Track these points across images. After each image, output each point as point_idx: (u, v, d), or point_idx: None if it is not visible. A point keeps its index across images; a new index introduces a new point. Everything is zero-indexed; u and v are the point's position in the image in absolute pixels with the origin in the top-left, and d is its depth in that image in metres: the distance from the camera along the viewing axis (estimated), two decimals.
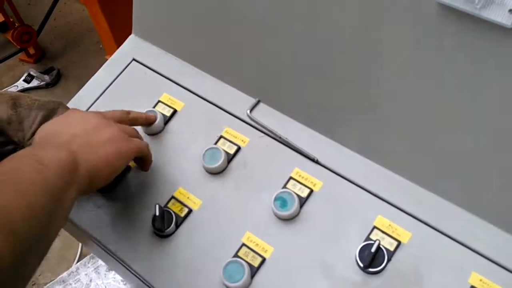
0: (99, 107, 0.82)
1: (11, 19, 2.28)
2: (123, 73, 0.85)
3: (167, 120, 0.78)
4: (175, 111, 0.79)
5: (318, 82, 0.71)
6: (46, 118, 0.69)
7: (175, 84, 0.82)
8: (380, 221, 0.65)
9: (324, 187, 0.69)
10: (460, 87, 0.58)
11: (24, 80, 2.40)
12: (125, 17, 1.81)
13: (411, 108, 0.64)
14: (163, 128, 0.78)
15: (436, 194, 0.65)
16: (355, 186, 0.68)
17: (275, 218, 0.68)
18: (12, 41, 2.30)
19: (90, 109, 0.82)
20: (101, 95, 0.83)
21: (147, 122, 0.74)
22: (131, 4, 1.78)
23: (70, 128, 0.60)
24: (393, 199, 0.66)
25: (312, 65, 0.70)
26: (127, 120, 0.70)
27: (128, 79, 0.84)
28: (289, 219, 0.67)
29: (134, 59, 0.86)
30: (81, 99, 0.82)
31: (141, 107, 0.79)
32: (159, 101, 0.80)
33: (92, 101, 0.83)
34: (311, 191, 0.69)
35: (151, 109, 0.78)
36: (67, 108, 0.73)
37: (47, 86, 2.36)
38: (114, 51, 1.87)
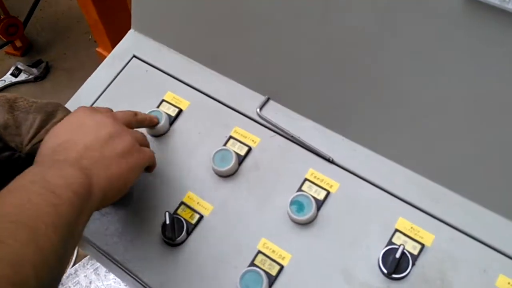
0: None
1: None
2: (123, 70, 0.81)
3: (172, 120, 0.74)
4: (180, 111, 0.75)
5: (331, 78, 0.67)
6: (44, 122, 0.65)
7: (179, 82, 0.78)
8: (402, 224, 0.62)
9: (341, 189, 0.66)
10: (485, 83, 0.55)
11: (12, 74, 2.33)
12: (116, 7, 1.77)
13: (432, 105, 0.60)
14: (169, 129, 0.74)
15: (458, 193, 0.63)
16: (373, 186, 0.65)
17: (291, 222, 0.65)
18: None
19: None
20: (101, 94, 0.79)
21: (151, 124, 0.71)
22: None
23: (80, 136, 0.56)
24: (413, 199, 0.63)
25: (325, 60, 0.67)
26: (135, 122, 0.66)
27: (129, 77, 0.80)
28: (306, 224, 0.64)
29: (134, 56, 0.82)
30: (80, 99, 0.78)
31: (144, 107, 0.75)
32: (163, 100, 0.76)
33: (92, 101, 0.79)
34: (328, 193, 0.66)
35: (155, 109, 0.74)
36: (66, 110, 0.69)
37: (36, 79, 2.29)
38: (106, 43, 1.84)
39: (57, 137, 0.56)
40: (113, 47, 1.82)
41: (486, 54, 0.53)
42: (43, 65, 2.31)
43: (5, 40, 2.24)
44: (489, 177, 0.60)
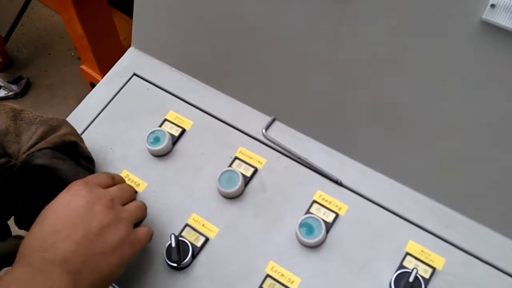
0: (98, 126, 0.76)
1: None
2: (123, 89, 0.79)
3: (175, 140, 0.73)
4: (183, 130, 0.74)
5: (339, 99, 0.67)
6: (46, 134, 0.63)
7: (181, 101, 0.76)
8: (412, 247, 0.62)
9: (350, 211, 0.65)
10: (500, 108, 0.55)
11: None
12: (102, 23, 1.75)
13: (444, 129, 0.61)
14: (172, 149, 0.72)
15: (468, 217, 0.63)
16: (382, 209, 0.65)
17: (300, 245, 0.64)
18: None
19: (88, 129, 0.76)
20: (99, 113, 0.77)
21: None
22: (110, 10, 1.71)
23: (70, 229, 0.52)
24: (423, 222, 0.63)
25: (333, 81, 0.66)
26: (133, 198, 0.63)
27: (129, 96, 0.78)
28: (315, 247, 0.63)
29: (135, 74, 0.80)
30: (77, 118, 0.76)
31: (145, 126, 0.74)
32: (165, 120, 0.75)
33: (90, 120, 0.76)
34: (337, 215, 0.65)
35: (157, 128, 0.73)
36: (71, 126, 0.67)
37: (16, 96, 2.24)
38: (91, 60, 1.81)
39: (45, 225, 0.53)
40: (98, 64, 1.81)
41: (503, 77, 0.54)
42: (23, 81, 2.25)
43: None
44: (501, 201, 0.60)
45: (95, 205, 0.55)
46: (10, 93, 2.24)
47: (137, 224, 0.60)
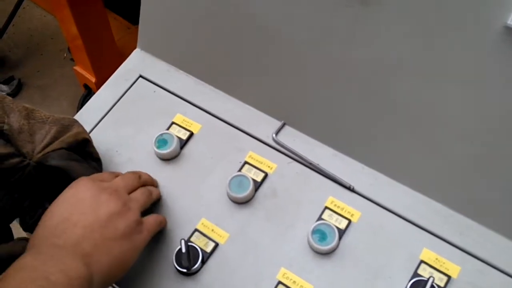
0: (103, 129, 0.74)
1: None
2: (129, 91, 0.77)
3: (183, 143, 0.71)
4: (191, 134, 0.72)
5: (352, 103, 0.66)
6: (59, 133, 0.62)
7: (189, 104, 0.75)
8: (427, 255, 0.61)
9: (362, 218, 0.64)
10: None
11: None
12: (97, 23, 1.72)
13: (460, 136, 0.60)
14: (179, 153, 0.71)
15: (483, 224, 0.62)
16: (396, 216, 0.64)
17: (311, 252, 0.63)
18: None
19: (93, 132, 0.74)
20: (104, 115, 0.75)
21: (154, 185, 0.67)
22: (104, 11, 1.69)
23: (79, 216, 0.53)
24: (437, 230, 0.62)
25: (346, 85, 0.65)
26: (139, 185, 0.63)
27: (135, 98, 0.77)
28: (327, 253, 0.62)
29: (141, 76, 0.78)
30: (82, 120, 0.74)
31: (152, 129, 0.72)
32: (173, 123, 0.73)
33: (95, 122, 0.75)
34: (349, 222, 0.64)
35: (165, 131, 0.71)
36: (81, 126, 0.66)
37: None
38: (85, 61, 1.79)
39: (53, 215, 0.53)
40: (92, 66, 1.79)
41: None
42: (15, 82, 2.22)
43: None
44: None
45: (101, 195, 0.55)
46: (1, 94, 2.20)
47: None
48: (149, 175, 0.66)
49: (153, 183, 0.66)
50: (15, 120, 0.60)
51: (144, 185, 0.63)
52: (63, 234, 0.51)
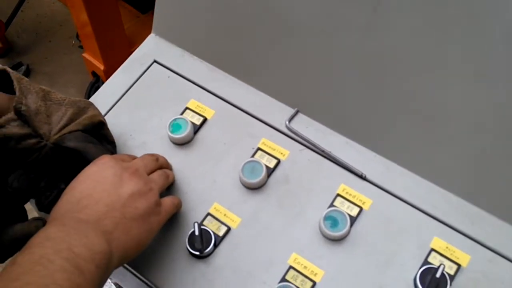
0: (117, 113, 0.75)
1: None
2: (143, 76, 0.78)
3: (197, 129, 0.72)
4: (205, 119, 0.73)
5: (365, 92, 0.66)
6: (76, 115, 0.63)
7: (202, 90, 0.76)
8: (437, 243, 0.61)
9: (374, 206, 0.65)
10: None
11: None
12: (108, 12, 1.73)
13: (472, 126, 0.60)
14: (193, 138, 0.72)
15: (493, 214, 0.62)
16: (407, 205, 0.65)
17: (323, 238, 0.63)
18: None
19: (107, 115, 0.75)
20: (119, 100, 0.76)
21: (169, 168, 0.69)
22: (116, 0, 1.69)
23: (101, 193, 0.54)
24: (448, 219, 0.63)
25: (360, 75, 0.66)
26: (156, 168, 0.64)
27: (149, 83, 0.77)
28: (339, 240, 0.63)
29: (155, 61, 0.79)
30: (96, 103, 0.74)
31: (166, 114, 0.73)
32: (186, 108, 0.74)
33: (109, 106, 0.75)
34: (361, 209, 0.64)
35: (179, 116, 0.72)
36: (97, 109, 0.66)
37: None
38: (94, 48, 1.79)
39: (76, 191, 0.54)
40: (101, 53, 1.79)
41: None
42: (23, 68, 2.23)
43: None
44: None
45: (123, 174, 0.57)
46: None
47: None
48: (165, 158, 0.67)
49: (168, 166, 0.67)
50: (32, 102, 0.60)
51: (161, 167, 0.64)
52: (85, 209, 0.52)
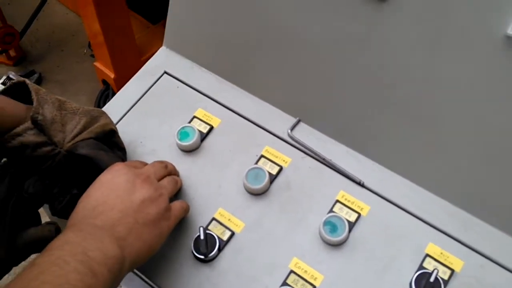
0: (129, 120, 0.79)
1: None
2: (154, 86, 0.82)
3: (203, 136, 0.75)
4: (211, 128, 0.76)
5: (364, 103, 0.69)
6: (89, 124, 0.66)
7: (210, 100, 0.79)
8: (432, 249, 0.64)
9: (371, 212, 0.68)
10: None
11: (2, 83, 2.28)
12: (120, 22, 1.78)
13: (466, 136, 0.63)
14: (200, 145, 0.75)
15: (486, 222, 0.65)
16: (403, 211, 0.67)
17: (322, 243, 0.66)
18: None
19: (119, 123, 0.79)
20: (130, 108, 0.80)
21: (177, 174, 0.72)
22: (127, 10, 1.74)
23: (115, 200, 0.57)
24: (443, 226, 0.66)
25: (359, 86, 0.69)
26: (166, 174, 0.67)
27: (160, 93, 0.81)
28: (338, 245, 0.66)
29: (165, 72, 0.83)
30: (109, 112, 0.78)
31: (175, 122, 0.76)
32: (194, 117, 0.77)
33: (121, 114, 0.79)
34: (359, 215, 0.67)
35: (187, 124, 0.75)
36: (109, 118, 0.70)
37: None
38: (105, 58, 1.84)
39: (92, 198, 0.58)
40: (112, 62, 1.84)
41: None
42: (35, 76, 2.28)
43: (0, 48, 2.22)
44: None
45: (135, 181, 0.60)
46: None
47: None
48: (173, 165, 0.70)
49: (176, 173, 0.71)
50: (48, 111, 0.64)
51: (169, 174, 0.67)
52: (101, 215, 0.55)
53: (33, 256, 0.63)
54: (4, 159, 0.66)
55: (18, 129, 0.61)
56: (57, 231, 0.65)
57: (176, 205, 0.64)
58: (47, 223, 0.67)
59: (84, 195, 0.58)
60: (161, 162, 0.68)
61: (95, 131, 0.66)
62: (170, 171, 0.68)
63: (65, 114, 0.65)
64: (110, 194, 0.58)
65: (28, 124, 0.62)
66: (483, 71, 0.59)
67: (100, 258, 0.50)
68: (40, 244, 0.64)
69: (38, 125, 0.62)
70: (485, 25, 0.57)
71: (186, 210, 0.67)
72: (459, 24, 0.58)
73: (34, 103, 0.62)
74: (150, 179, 0.62)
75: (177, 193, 0.70)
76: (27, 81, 0.65)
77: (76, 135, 0.64)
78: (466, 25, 0.58)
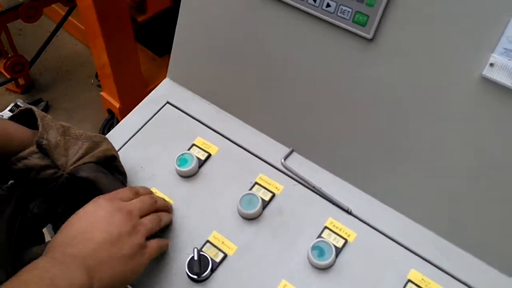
0: (132, 146, 0.83)
1: (4, 48, 2.26)
2: (156, 115, 0.87)
3: (201, 163, 0.80)
4: (209, 155, 0.81)
5: (353, 136, 0.74)
6: (90, 149, 0.70)
7: (209, 129, 0.84)
8: (414, 275, 0.67)
9: (358, 238, 0.71)
10: (497, 154, 0.63)
11: (10, 110, 2.35)
12: (127, 55, 1.85)
13: (448, 169, 0.67)
14: (198, 171, 0.79)
15: (465, 250, 0.69)
16: (388, 239, 0.71)
17: (311, 267, 0.70)
18: (3, 71, 2.27)
19: (123, 149, 0.83)
20: (134, 135, 0.84)
21: (168, 211, 0.74)
22: (135, 43, 1.81)
23: (95, 232, 0.59)
24: (425, 253, 0.69)
25: (349, 120, 0.74)
26: (154, 209, 0.69)
27: (162, 121, 0.86)
28: (325, 269, 0.69)
29: (168, 102, 0.88)
30: (112, 140, 0.82)
31: (175, 149, 0.81)
32: (193, 145, 0.82)
33: (125, 141, 0.84)
34: (346, 241, 0.71)
35: (186, 151, 0.80)
36: (110, 143, 0.73)
37: None
38: (111, 88, 1.90)
39: (73, 227, 0.60)
40: (118, 92, 1.90)
41: (498, 127, 0.61)
42: (42, 104, 2.35)
43: (9, 77, 2.29)
44: (496, 239, 0.66)
45: (115, 215, 0.62)
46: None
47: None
48: (164, 201, 0.73)
49: (167, 209, 0.73)
50: (52, 137, 0.68)
51: (158, 210, 0.70)
52: (78, 244, 0.58)
53: None
54: (11, 181, 0.70)
55: (23, 153, 0.65)
56: None
57: (153, 243, 0.65)
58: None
59: (67, 223, 0.61)
60: (151, 197, 0.70)
61: (96, 156, 0.69)
62: (158, 208, 0.70)
63: (68, 139, 0.68)
64: (90, 225, 0.60)
65: (33, 148, 0.66)
66: (461, 108, 0.64)
67: (65, 285, 0.52)
68: None
69: (43, 149, 0.66)
70: (463, 65, 0.62)
71: (163, 248, 0.68)
72: (439, 63, 0.64)
73: (40, 129, 0.66)
74: (132, 214, 0.63)
75: (173, 219, 0.74)
76: (34, 108, 0.69)
77: (78, 159, 0.68)
78: (446, 64, 0.63)
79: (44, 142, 0.66)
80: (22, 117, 0.70)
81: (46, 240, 0.73)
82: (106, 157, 0.71)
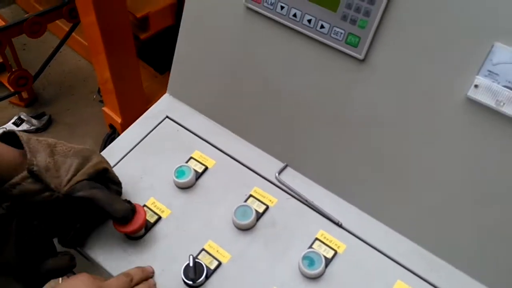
0: (132, 158, 0.87)
1: (8, 62, 2.31)
2: (156, 128, 0.90)
3: (198, 175, 0.83)
4: (206, 168, 0.84)
5: (345, 152, 0.78)
6: (81, 165, 0.71)
7: (206, 143, 0.88)
8: (400, 286, 0.70)
9: (347, 250, 0.74)
10: (483, 172, 0.66)
11: (13, 123, 2.39)
12: (129, 71, 1.89)
13: (434, 184, 0.71)
14: (195, 183, 0.83)
15: (450, 263, 0.72)
16: (376, 251, 0.74)
17: (301, 276, 0.72)
18: (7, 84, 2.31)
19: (123, 160, 0.87)
20: (134, 147, 0.88)
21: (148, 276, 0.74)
22: (137, 60, 1.85)
23: None
24: (411, 265, 0.72)
25: (341, 137, 0.77)
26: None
27: (161, 135, 0.90)
28: (314, 278, 0.72)
29: (167, 117, 0.92)
30: (113, 152, 0.87)
31: (173, 162, 0.84)
32: (191, 157, 0.85)
33: (125, 153, 0.87)
34: (336, 252, 0.74)
35: (184, 164, 0.83)
36: (101, 156, 0.75)
37: (37, 131, 2.36)
38: (113, 103, 1.94)
39: None
40: (120, 107, 1.93)
41: (482, 145, 0.65)
42: (45, 117, 2.38)
43: (13, 90, 2.33)
44: (479, 252, 0.69)
45: None
46: (32, 127, 2.36)
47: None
48: (141, 275, 0.72)
49: (146, 277, 0.73)
50: (42, 160, 0.68)
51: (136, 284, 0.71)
52: None
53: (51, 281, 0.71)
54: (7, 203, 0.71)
55: (16, 179, 0.66)
56: (72, 259, 0.71)
57: None
58: (63, 254, 0.72)
59: None
60: (128, 275, 0.70)
61: (87, 172, 0.70)
62: (135, 283, 0.70)
63: (57, 159, 0.69)
64: None
65: (25, 173, 0.66)
66: (447, 127, 0.67)
67: None
68: (58, 272, 0.71)
69: (34, 175, 0.66)
70: (449, 86, 0.66)
71: None
72: (427, 84, 0.67)
73: (28, 155, 0.66)
74: None
75: (171, 226, 0.77)
76: (17, 132, 0.69)
77: (70, 179, 0.69)
78: (433, 84, 0.67)
79: (35, 168, 0.66)
80: (6, 138, 0.70)
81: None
82: (97, 171, 0.72)
